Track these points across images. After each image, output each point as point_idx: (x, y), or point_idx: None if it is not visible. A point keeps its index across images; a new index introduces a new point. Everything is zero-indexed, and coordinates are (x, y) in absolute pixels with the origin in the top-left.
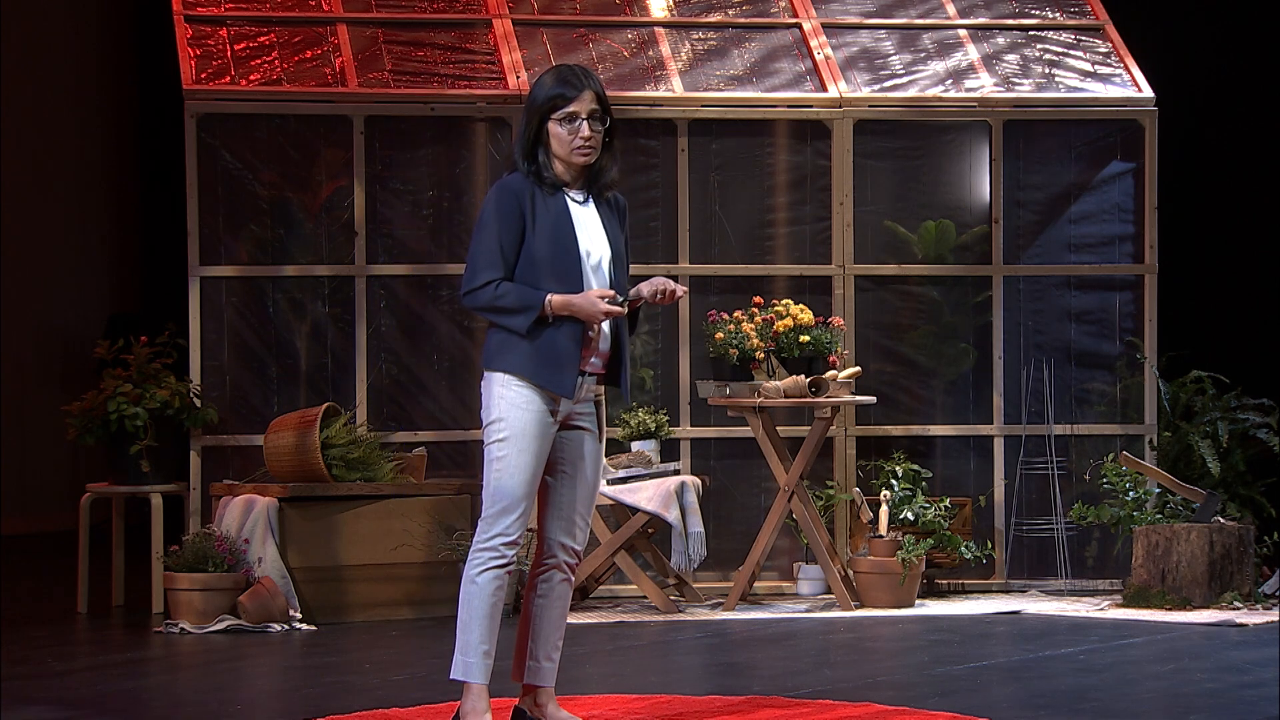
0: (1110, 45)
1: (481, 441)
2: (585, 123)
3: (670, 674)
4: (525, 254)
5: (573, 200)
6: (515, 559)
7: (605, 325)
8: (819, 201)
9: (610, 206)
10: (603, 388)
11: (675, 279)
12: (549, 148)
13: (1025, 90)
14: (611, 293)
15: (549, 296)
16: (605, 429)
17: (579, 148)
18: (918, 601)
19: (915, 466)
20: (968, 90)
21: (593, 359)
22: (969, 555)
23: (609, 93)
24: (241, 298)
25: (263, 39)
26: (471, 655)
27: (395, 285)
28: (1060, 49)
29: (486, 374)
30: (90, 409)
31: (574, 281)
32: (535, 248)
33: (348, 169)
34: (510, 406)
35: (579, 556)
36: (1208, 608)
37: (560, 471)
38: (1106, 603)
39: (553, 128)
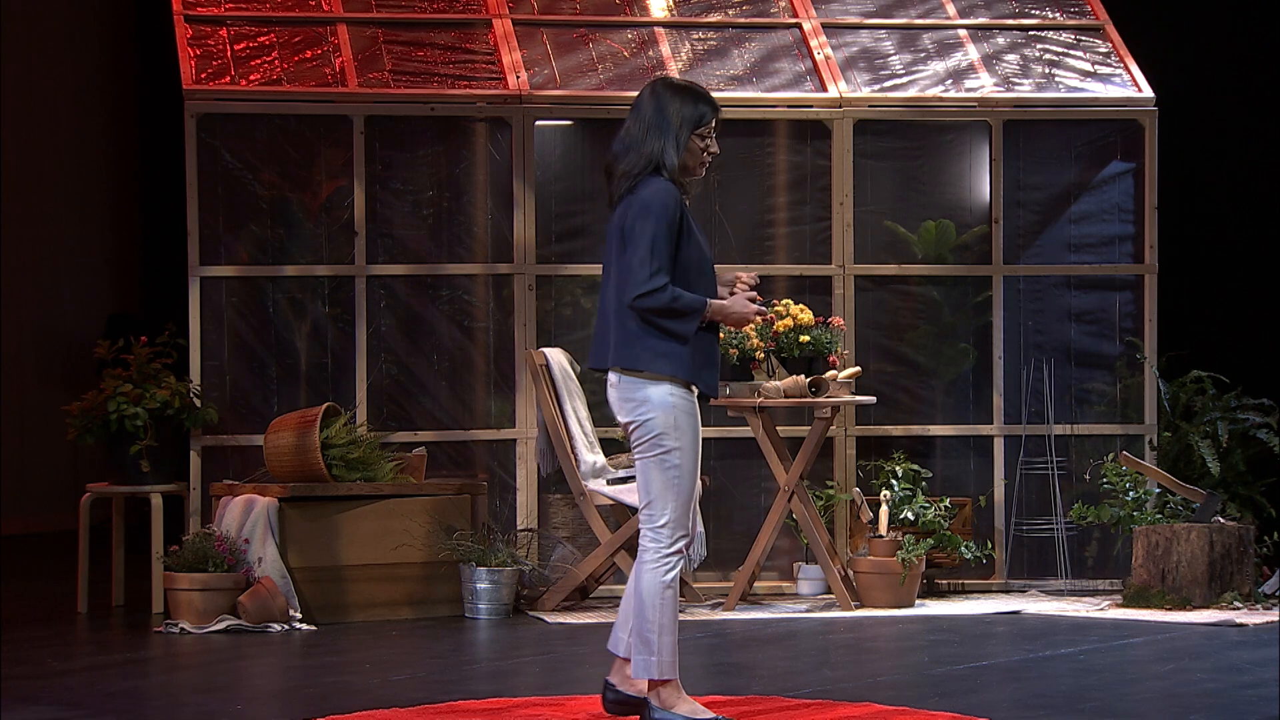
0: (1110, 45)
1: (630, 444)
2: (714, 138)
3: None
4: (680, 260)
5: None
6: None
7: None
8: (819, 201)
9: None
10: None
11: None
12: (680, 159)
13: (1025, 90)
14: (756, 294)
15: (709, 301)
16: None
17: (707, 162)
18: (918, 601)
19: (915, 466)
20: (968, 90)
21: None
22: (969, 555)
23: (608, 93)
24: (241, 298)
25: (263, 39)
26: (674, 654)
27: (395, 285)
28: (1060, 49)
29: (637, 379)
30: (90, 409)
31: (714, 287)
32: (688, 255)
33: (348, 169)
34: (682, 414)
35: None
36: (1208, 608)
37: None
38: (1106, 603)
39: (693, 140)
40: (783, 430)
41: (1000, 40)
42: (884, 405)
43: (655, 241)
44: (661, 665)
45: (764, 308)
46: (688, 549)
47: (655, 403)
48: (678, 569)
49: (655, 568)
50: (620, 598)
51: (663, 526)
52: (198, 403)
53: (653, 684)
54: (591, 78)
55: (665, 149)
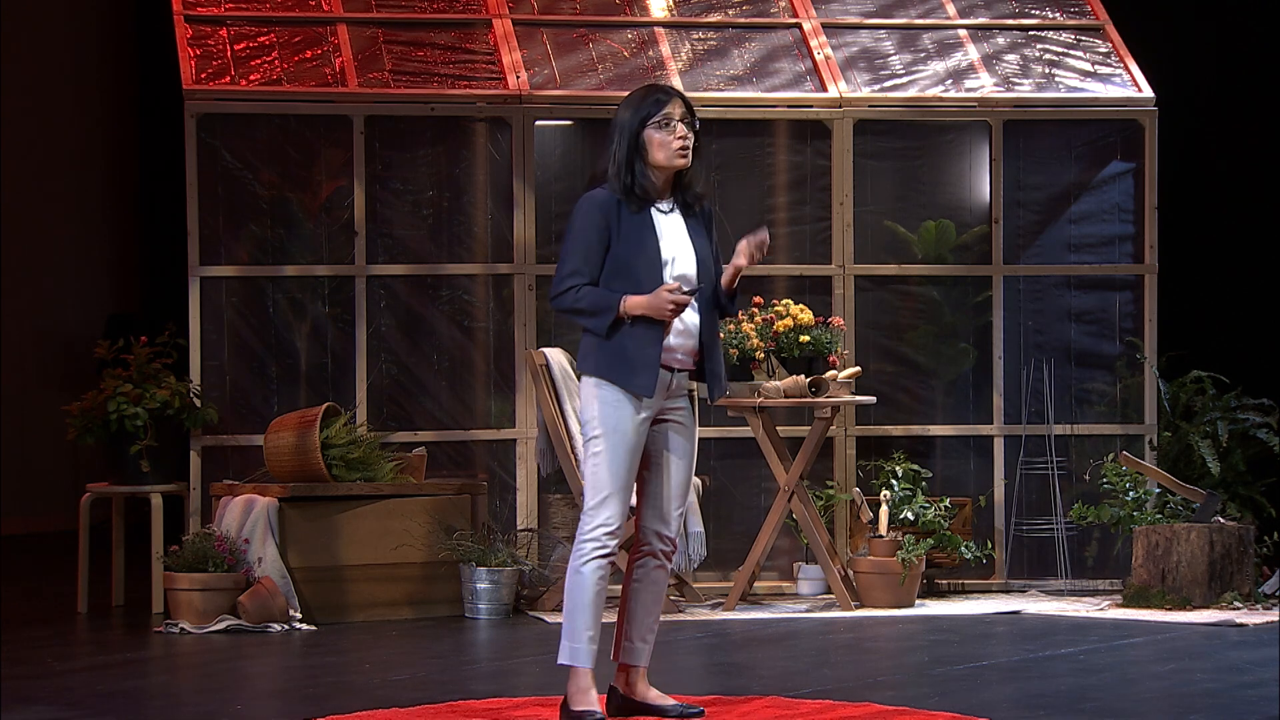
0: (1110, 45)
1: (583, 441)
2: (680, 124)
3: (670, 674)
4: (610, 262)
5: (658, 211)
6: (616, 549)
7: (689, 321)
8: (819, 201)
9: (699, 218)
10: (694, 383)
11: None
12: (645, 159)
13: (1025, 90)
14: (676, 284)
15: (624, 298)
16: (696, 421)
17: (678, 149)
18: (918, 601)
19: (915, 466)
20: (968, 90)
21: (679, 355)
22: (969, 555)
23: (608, 93)
24: (241, 298)
25: (263, 39)
26: (578, 641)
27: (395, 285)
28: (1060, 49)
29: (582, 377)
30: (90, 409)
31: (654, 286)
32: (619, 256)
33: (348, 169)
34: (602, 405)
35: (673, 544)
36: (1208, 608)
37: (653, 464)
38: (1106, 603)
39: (651, 135)
40: (783, 430)
41: (1000, 40)
42: (884, 405)
43: (568, 246)
44: (569, 650)
45: (681, 295)
46: (620, 544)
47: (584, 397)
48: (595, 559)
49: (574, 552)
50: (617, 599)
51: (583, 513)
52: (198, 403)
53: (571, 673)
54: (591, 78)
55: (615, 155)
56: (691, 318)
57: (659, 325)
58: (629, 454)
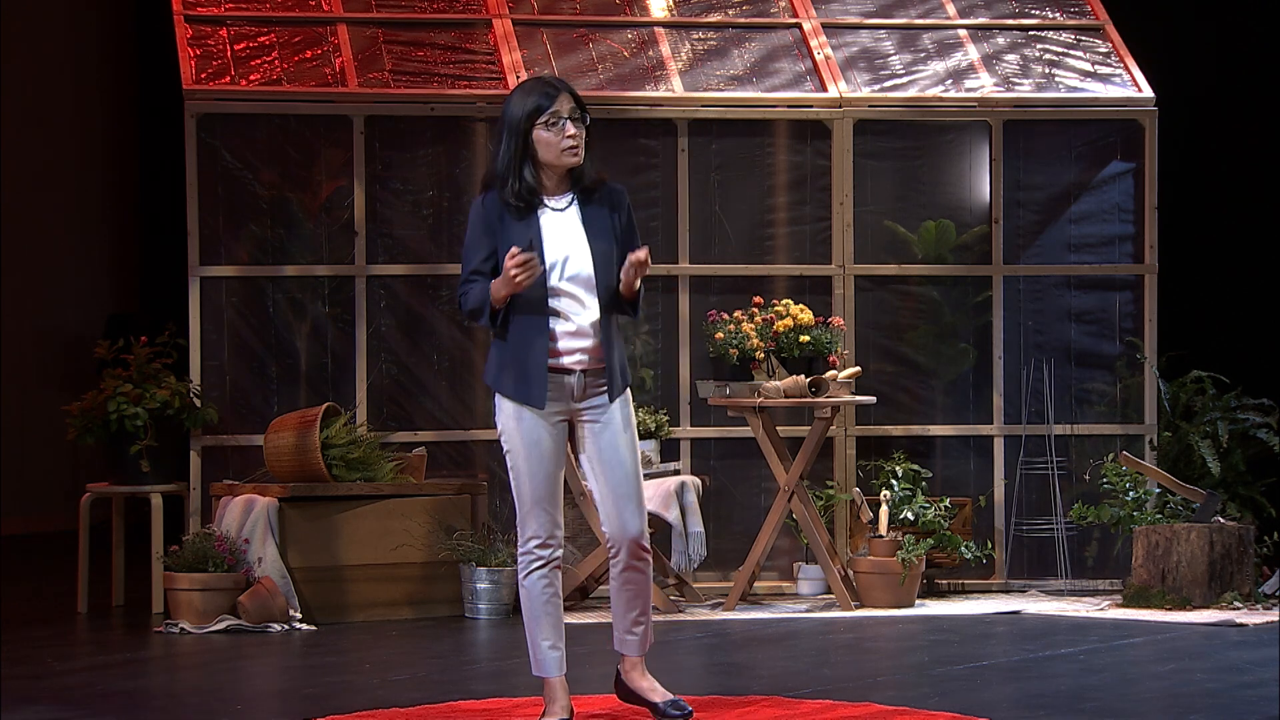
0: (1110, 45)
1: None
2: (569, 122)
3: (670, 674)
4: (500, 269)
5: (552, 210)
6: (555, 555)
7: (581, 321)
8: (819, 201)
9: (602, 203)
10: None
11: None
12: (535, 159)
13: (1025, 90)
14: (516, 250)
15: (490, 284)
16: (624, 415)
17: (568, 148)
18: (918, 601)
19: (915, 466)
20: (968, 90)
21: (575, 356)
22: (969, 555)
23: (608, 93)
24: (241, 298)
25: (263, 39)
26: (540, 653)
27: (395, 285)
28: (1060, 49)
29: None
30: (90, 409)
31: (538, 292)
32: (502, 262)
33: (348, 169)
34: (507, 419)
35: (635, 540)
36: (1208, 608)
37: (588, 471)
38: (1106, 603)
39: (539, 134)
40: (783, 430)
41: (1000, 40)
42: (884, 405)
43: (464, 254)
44: (534, 662)
45: (525, 255)
46: (557, 549)
47: (496, 410)
48: (534, 572)
49: (518, 567)
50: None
51: (518, 527)
52: (198, 403)
53: (544, 683)
54: (591, 78)
55: (504, 155)
56: (583, 316)
57: (544, 330)
58: (541, 463)
